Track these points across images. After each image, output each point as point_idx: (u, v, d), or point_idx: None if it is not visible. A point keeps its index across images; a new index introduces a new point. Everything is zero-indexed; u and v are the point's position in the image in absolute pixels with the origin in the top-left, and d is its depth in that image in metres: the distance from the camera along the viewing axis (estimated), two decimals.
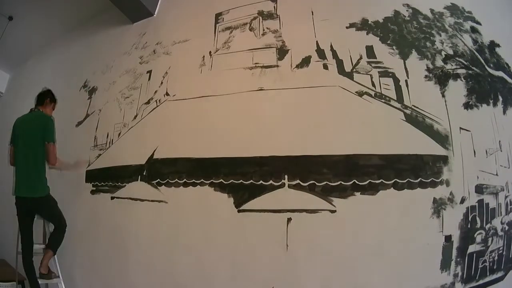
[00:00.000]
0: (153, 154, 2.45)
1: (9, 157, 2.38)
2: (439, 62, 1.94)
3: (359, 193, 1.76)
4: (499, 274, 1.70)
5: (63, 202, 2.41)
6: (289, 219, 1.84)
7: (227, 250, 1.98)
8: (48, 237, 2.30)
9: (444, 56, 1.96)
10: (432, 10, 2.09)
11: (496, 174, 1.77)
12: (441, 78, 1.90)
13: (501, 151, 1.83)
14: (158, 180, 2.34)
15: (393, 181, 1.73)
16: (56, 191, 2.37)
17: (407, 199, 1.71)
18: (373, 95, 1.93)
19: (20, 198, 2.21)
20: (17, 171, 2.26)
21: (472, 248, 1.66)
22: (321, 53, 2.12)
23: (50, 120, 2.31)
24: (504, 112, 1.91)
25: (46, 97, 2.41)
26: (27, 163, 2.24)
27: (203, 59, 2.54)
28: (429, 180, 1.71)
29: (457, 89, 1.88)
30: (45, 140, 2.23)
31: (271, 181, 1.93)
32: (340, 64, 2.06)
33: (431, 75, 1.91)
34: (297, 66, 2.15)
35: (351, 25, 2.13)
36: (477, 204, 1.70)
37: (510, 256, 1.73)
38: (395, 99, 1.89)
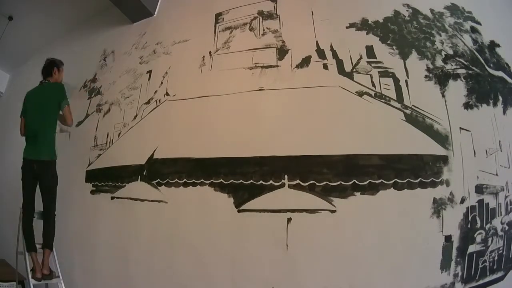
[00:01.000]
0: (153, 154, 2.45)
1: (21, 128, 2.46)
2: (439, 62, 1.94)
3: (359, 193, 1.76)
4: (499, 274, 1.70)
5: (63, 202, 2.41)
6: (289, 219, 1.84)
7: (227, 250, 1.97)
8: (43, 237, 2.28)
9: (444, 56, 1.95)
10: (432, 10, 2.09)
11: (496, 174, 1.77)
12: (441, 78, 1.90)
13: (501, 151, 1.82)
14: (158, 180, 2.34)
15: (393, 181, 1.73)
16: (56, 191, 2.37)
17: (407, 199, 1.71)
18: (373, 95, 1.93)
19: (27, 161, 2.29)
20: (27, 138, 2.36)
21: (472, 248, 1.65)
22: (321, 53, 2.12)
23: (62, 86, 2.45)
24: (504, 112, 1.91)
25: (52, 68, 2.53)
26: (38, 129, 2.33)
27: (203, 59, 2.54)
28: (429, 180, 1.71)
29: (457, 89, 1.88)
30: (63, 104, 2.37)
31: (271, 181, 1.93)
32: (340, 64, 2.06)
33: (431, 75, 1.91)
34: (297, 66, 2.15)
35: (351, 25, 2.13)
36: (477, 204, 1.70)
37: (510, 256, 1.73)
38: (395, 99, 1.89)
